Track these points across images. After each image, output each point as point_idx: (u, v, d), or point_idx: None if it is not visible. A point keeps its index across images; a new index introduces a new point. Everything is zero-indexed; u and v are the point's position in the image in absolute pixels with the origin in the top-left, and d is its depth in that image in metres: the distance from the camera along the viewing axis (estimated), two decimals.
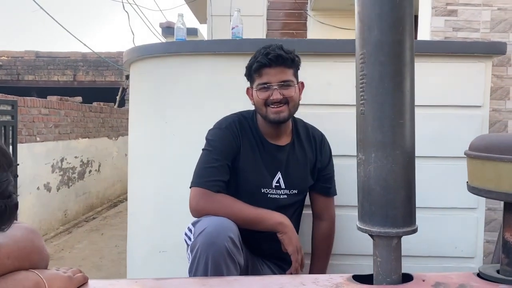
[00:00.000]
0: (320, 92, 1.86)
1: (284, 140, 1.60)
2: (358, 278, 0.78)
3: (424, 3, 2.10)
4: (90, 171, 6.89)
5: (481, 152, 0.74)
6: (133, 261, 2.18)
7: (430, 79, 1.85)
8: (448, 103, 1.84)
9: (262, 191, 1.55)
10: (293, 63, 1.50)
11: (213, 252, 1.24)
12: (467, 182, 0.78)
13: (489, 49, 1.80)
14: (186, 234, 1.43)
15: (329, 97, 1.86)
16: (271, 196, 1.56)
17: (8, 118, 4.33)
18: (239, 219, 1.40)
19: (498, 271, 0.77)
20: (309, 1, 5.23)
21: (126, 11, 4.08)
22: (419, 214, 1.92)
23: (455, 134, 1.79)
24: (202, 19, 8.05)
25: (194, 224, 1.40)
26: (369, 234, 0.77)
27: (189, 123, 1.93)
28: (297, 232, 1.69)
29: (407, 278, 0.78)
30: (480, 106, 1.81)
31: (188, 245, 1.39)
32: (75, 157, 6.37)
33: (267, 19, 5.29)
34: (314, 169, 1.62)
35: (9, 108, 4.35)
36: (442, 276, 0.78)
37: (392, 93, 0.74)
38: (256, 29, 5.05)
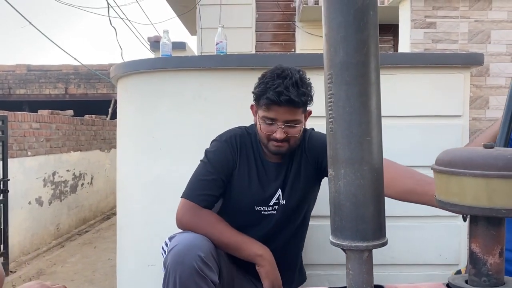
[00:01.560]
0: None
1: (283, 158, 1.56)
2: None
3: (404, 16, 2.16)
4: (82, 184, 6.88)
5: (445, 167, 0.76)
6: (122, 275, 2.19)
7: (410, 90, 1.89)
8: (428, 113, 1.88)
9: (256, 209, 1.52)
10: (304, 105, 1.44)
11: (181, 272, 1.25)
12: (435, 195, 0.81)
13: (467, 60, 1.84)
14: (162, 248, 1.44)
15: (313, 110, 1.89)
16: (265, 213, 1.53)
17: None
18: (218, 242, 1.40)
19: (466, 281, 0.80)
20: (297, 12, 5.29)
21: (113, 27, 4.11)
22: (403, 223, 1.95)
23: (435, 143, 1.82)
24: (192, 31, 8.11)
25: (170, 239, 1.41)
26: (341, 248, 0.80)
27: (176, 137, 1.95)
28: (302, 246, 1.68)
29: None
30: (460, 116, 1.85)
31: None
32: (67, 170, 6.37)
33: (256, 31, 5.35)
34: (319, 168, 1.55)
35: None
36: (413, 286, 0.80)
37: (358, 112, 0.76)
38: (245, 41, 5.11)
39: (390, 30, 4.40)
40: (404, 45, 2.21)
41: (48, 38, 4.55)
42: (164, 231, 1.96)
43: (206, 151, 1.54)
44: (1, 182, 4.34)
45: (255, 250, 1.42)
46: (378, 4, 3.50)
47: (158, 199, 1.98)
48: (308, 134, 1.59)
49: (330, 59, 0.78)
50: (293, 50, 5.41)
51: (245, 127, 1.61)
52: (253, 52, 5.19)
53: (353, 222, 0.78)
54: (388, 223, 2.05)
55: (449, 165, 0.75)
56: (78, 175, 6.74)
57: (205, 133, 1.68)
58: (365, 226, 0.77)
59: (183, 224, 1.44)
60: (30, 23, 4.12)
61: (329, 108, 0.79)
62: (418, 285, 0.81)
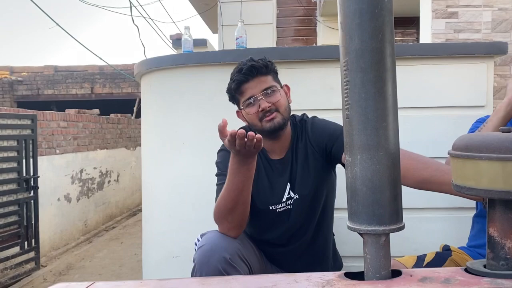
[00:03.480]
0: (323, 97, 1.90)
1: (287, 151, 1.56)
2: (349, 275, 0.82)
3: (424, 7, 2.13)
4: (109, 181, 7.03)
5: (461, 151, 0.77)
6: (148, 267, 2.25)
7: (433, 82, 1.87)
8: (451, 104, 1.86)
9: (271, 208, 1.52)
10: (268, 69, 1.47)
11: (206, 272, 1.26)
12: (452, 180, 0.81)
13: (490, 49, 1.81)
14: (195, 243, 1.46)
15: (331, 102, 1.90)
16: (280, 210, 1.52)
17: (28, 132, 4.48)
18: (230, 202, 1.34)
19: (485, 266, 0.80)
20: (318, 7, 5.27)
21: (136, 25, 4.19)
22: (425, 215, 1.94)
23: (459, 134, 1.79)
24: (214, 29, 8.17)
25: (201, 236, 1.43)
26: (358, 233, 0.81)
27: (198, 132, 1.99)
28: (330, 237, 1.64)
29: (396, 274, 0.81)
30: (483, 106, 1.82)
31: None
32: (94, 168, 6.52)
33: (276, 27, 5.36)
34: (329, 155, 1.51)
35: (29, 122, 4.50)
36: (430, 271, 0.81)
37: (374, 98, 0.77)
38: (266, 37, 5.12)
39: (414, 22, 4.33)
40: (426, 36, 2.18)
41: (76, 40, 4.67)
42: (187, 223, 2.01)
43: (216, 163, 1.54)
44: (32, 179, 4.48)
45: (232, 168, 1.32)
46: None
47: (181, 193, 2.02)
48: (310, 123, 1.57)
49: (346, 46, 0.80)
50: (314, 45, 5.40)
51: (243, 128, 1.59)
52: (281, 46, 5.20)
53: (369, 207, 0.79)
54: (410, 215, 2.06)
55: (465, 150, 0.76)
56: (105, 172, 6.89)
57: (228, 124, 1.70)
58: (382, 211, 0.78)
59: (217, 223, 1.43)
60: (58, 24, 4.25)
61: (345, 95, 0.80)
62: (436, 269, 0.81)
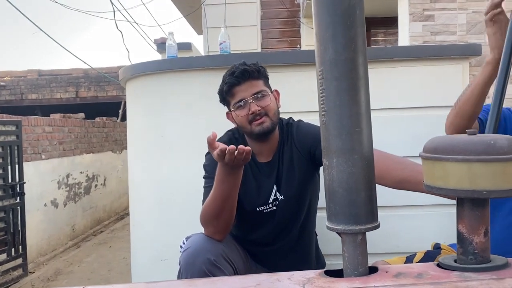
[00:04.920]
0: (304, 100, 1.95)
1: (274, 154, 1.59)
2: (329, 273, 0.86)
3: (402, 10, 2.19)
4: (96, 186, 7.00)
5: (431, 153, 0.82)
6: (136, 270, 2.27)
7: (410, 83, 1.93)
8: (429, 105, 1.92)
9: (258, 209, 1.56)
10: (259, 74, 1.52)
11: (192, 273, 1.30)
12: (423, 181, 0.86)
13: (465, 51, 1.88)
14: (181, 246, 1.49)
15: (315, 104, 1.94)
16: (267, 211, 1.56)
17: (13, 138, 4.45)
18: (216, 208, 1.37)
19: (455, 261, 0.85)
20: (301, 9, 5.33)
21: (120, 30, 4.19)
22: (408, 212, 1.99)
23: (436, 134, 1.85)
24: (199, 31, 8.17)
25: (187, 238, 1.46)
26: (336, 232, 0.85)
27: (184, 136, 2.02)
28: (313, 237, 1.68)
29: (373, 270, 0.86)
30: None
31: None
32: (81, 172, 6.49)
33: (261, 29, 5.40)
34: (313, 157, 1.55)
35: (13, 128, 4.47)
36: (405, 267, 0.85)
37: (348, 105, 0.82)
38: (250, 39, 5.16)
39: (395, 23, 4.41)
40: (404, 38, 2.25)
41: (58, 43, 4.65)
42: (174, 226, 2.04)
43: (204, 165, 1.57)
44: (17, 185, 4.46)
45: (219, 177, 1.35)
46: None
47: (167, 196, 2.05)
48: (296, 127, 1.61)
49: (321, 56, 0.84)
50: (298, 46, 5.46)
51: (232, 132, 1.65)
52: (259, 49, 5.24)
53: (346, 208, 0.83)
54: (393, 213, 2.11)
55: (434, 152, 0.81)
56: (91, 176, 6.87)
57: (211, 131, 1.74)
58: (358, 211, 0.83)
59: (202, 226, 1.46)
60: (41, 29, 4.23)
61: (322, 102, 0.85)
62: (410, 265, 0.86)
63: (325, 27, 0.83)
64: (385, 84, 1.93)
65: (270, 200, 1.56)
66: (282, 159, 1.57)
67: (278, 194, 1.56)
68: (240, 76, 1.48)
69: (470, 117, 1.38)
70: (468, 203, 0.81)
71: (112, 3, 4.20)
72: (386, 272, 0.84)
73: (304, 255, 1.64)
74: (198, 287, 0.87)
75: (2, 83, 10.05)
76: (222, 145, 1.23)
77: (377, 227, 0.86)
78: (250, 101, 1.49)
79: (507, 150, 0.75)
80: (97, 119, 7.71)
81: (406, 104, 1.93)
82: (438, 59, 1.89)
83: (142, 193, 2.19)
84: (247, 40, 5.12)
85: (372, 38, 5.26)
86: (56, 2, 3.98)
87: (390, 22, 4.48)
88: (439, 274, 0.80)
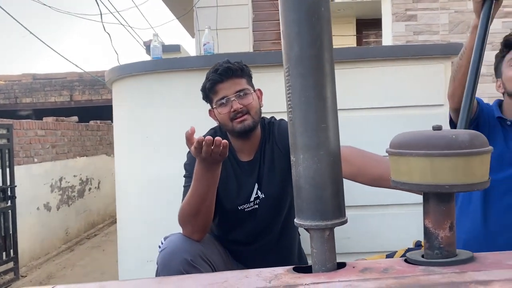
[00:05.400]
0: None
1: (256, 153, 1.60)
2: (298, 269, 0.86)
3: (385, 10, 2.21)
4: (90, 189, 6.99)
5: (395, 149, 0.82)
6: (124, 272, 2.27)
7: (393, 82, 1.94)
8: (411, 104, 1.93)
9: (239, 208, 1.57)
10: (243, 72, 1.53)
11: (168, 273, 1.30)
12: (391, 176, 0.87)
13: (447, 50, 1.89)
14: (159, 246, 1.50)
15: None
16: (248, 210, 1.57)
17: (4, 141, 4.44)
18: (193, 206, 1.37)
19: (423, 255, 0.86)
20: None
21: (108, 33, 4.20)
22: (391, 211, 2.00)
23: None
24: (192, 33, 8.19)
25: (165, 238, 1.47)
26: (304, 228, 0.86)
27: (168, 136, 2.02)
28: (295, 236, 1.69)
29: (341, 266, 0.86)
30: (442, 105, 1.90)
31: None
32: (74, 175, 6.48)
33: (253, 31, 5.41)
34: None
35: (4, 131, 4.46)
36: (373, 262, 0.86)
37: (313, 101, 0.82)
38: (242, 41, 5.17)
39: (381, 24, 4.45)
40: (387, 38, 2.26)
41: (49, 47, 4.65)
42: (160, 228, 2.04)
43: (184, 165, 1.58)
44: (8, 188, 4.45)
45: (197, 174, 1.36)
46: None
47: (153, 197, 2.05)
48: (277, 125, 1.62)
49: (287, 53, 0.85)
50: None
51: (214, 130, 1.66)
52: (251, 51, 5.25)
53: (313, 203, 0.84)
54: (377, 212, 2.11)
55: (399, 147, 0.81)
56: (85, 180, 6.85)
57: (196, 131, 1.74)
58: (324, 207, 0.83)
59: (180, 226, 1.47)
60: (31, 32, 4.23)
61: (288, 99, 0.85)
62: (378, 261, 0.86)
63: (290, 25, 0.84)
64: (367, 83, 1.94)
65: (252, 199, 1.56)
66: (264, 158, 1.58)
67: (259, 193, 1.57)
68: (223, 74, 1.49)
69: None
70: (433, 198, 0.81)
71: (98, 5, 4.21)
72: (353, 267, 0.84)
73: (286, 254, 1.64)
74: (167, 284, 0.87)
75: None
76: (199, 137, 1.24)
77: (344, 222, 0.86)
78: (233, 98, 1.50)
79: (469, 145, 0.76)
80: (91, 122, 7.71)
81: (388, 104, 1.94)
82: (420, 59, 1.90)
83: (128, 194, 2.19)
84: (239, 42, 5.13)
85: (364, 40, 5.29)
86: (45, 5, 3.99)
87: (375, 24, 4.51)
88: (404, 269, 0.81)
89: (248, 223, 1.57)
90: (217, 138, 1.24)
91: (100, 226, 7.18)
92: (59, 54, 4.83)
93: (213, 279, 0.86)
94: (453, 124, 1.57)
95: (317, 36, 0.82)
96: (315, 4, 0.83)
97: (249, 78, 1.57)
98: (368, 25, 4.94)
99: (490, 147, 0.80)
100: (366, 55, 1.92)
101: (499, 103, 1.61)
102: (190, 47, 6.59)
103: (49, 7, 4.12)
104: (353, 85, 1.96)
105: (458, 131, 0.79)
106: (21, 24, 4.04)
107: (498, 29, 2.15)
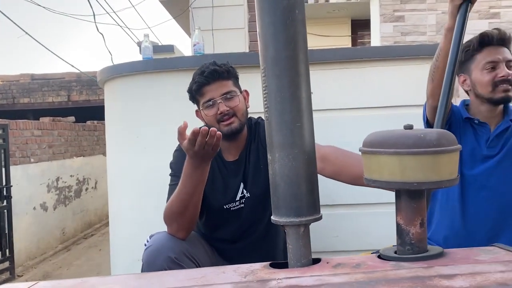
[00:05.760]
0: None
1: (241, 153, 1.62)
2: (274, 265, 0.89)
3: (373, 11, 2.23)
4: (86, 189, 7.00)
5: (367, 148, 0.85)
6: (116, 271, 2.29)
7: (381, 82, 1.97)
8: (399, 104, 1.96)
9: (225, 207, 1.59)
10: (229, 74, 1.55)
11: (152, 271, 1.29)
12: (363, 174, 0.89)
13: (433, 51, 1.90)
14: (145, 244, 1.52)
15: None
16: (234, 209, 1.59)
17: (0, 141, 4.46)
18: (180, 204, 1.39)
19: (396, 252, 0.88)
20: None
21: (101, 33, 4.22)
22: (380, 210, 2.02)
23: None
24: (189, 33, 8.20)
25: (150, 236, 1.49)
26: (280, 225, 0.88)
27: (159, 136, 2.04)
28: (281, 234, 1.68)
29: (316, 261, 0.88)
30: None
31: None
32: (71, 175, 6.49)
33: (249, 31, 5.43)
34: None
35: (0, 131, 4.48)
36: (346, 258, 0.88)
37: (288, 101, 0.85)
38: (238, 41, 5.19)
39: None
40: (375, 39, 2.28)
41: (46, 47, 4.67)
42: (151, 227, 2.06)
43: (170, 164, 1.60)
44: (4, 188, 4.46)
45: (186, 172, 1.37)
46: (352, 0, 3.56)
47: (144, 196, 2.07)
48: (262, 125, 1.63)
49: (263, 54, 0.87)
50: None
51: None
52: (247, 51, 5.27)
53: (288, 201, 0.86)
54: (365, 210, 2.13)
55: (370, 146, 0.84)
56: (82, 180, 6.87)
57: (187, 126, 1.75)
58: (299, 204, 0.86)
59: (166, 224, 1.49)
60: (26, 33, 4.25)
61: (265, 99, 0.88)
62: (351, 257, 0.89)
63: (266, 27, 0.86)
64: (356, 84, 1.96)
65: (237, 198, 1.59)
66: (249, 158, 1.60)
67: (245, 192, 1.59)
68: (210, 76, 1.51)
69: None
70: (404, 195, 0.84)
71: (91, 6, 4.23)
72: (327, 263, 0.86)
73: (272, 252, 1.66)
74: (146, 279, 0.89)
75: None
76: (194, 128, 1.25)
77: (319, 219, 0.88)
78: (219, 101, 1.52)
79: (437, 143, 0.78)
80: (88, 122, 7.72)
81: (376, 104, 1.97)
82: (407, 59, 1.93)
83: (119, 193, 2.21)
84: (235, 43, 5.15)
85: (359, 40, 5.31)
86: (39, 5, 4.01)
87: (367, 25, 4.54)
88: (376, 264, 0.83)
89: (234, 222, 1.59)
90: (212, 128, 1.26)
91: (97, 226, 7.20)
92: (55, 54, 4.85)
93: (192, 274, 0.88)
94: (428, 125, 1.59)
95: (291, 38, 0.84)
96: (290, 6, 0.85)
97: (235, 79, 1.59)
98: (363, 25, 4.96)
99: (458, 146, 0.82)
100: (354, 56, 1.94)
101: (465, 103, 1.63)
102: (188, 47, 6.61)
103: (44, 7, 4.14)
104: (341, 86, 1.98)
105: (426, 130, 0.81)
106: (16, 25, 4.06)
107: (484, 29, 2.16)
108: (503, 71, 1.47)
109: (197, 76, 1.54)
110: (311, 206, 0.87)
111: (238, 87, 1.60)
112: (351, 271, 0.80)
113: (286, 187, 0.86)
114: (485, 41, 1.49)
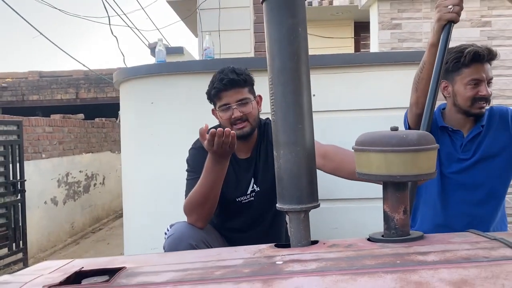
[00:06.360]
0: None
1: (252, 151, 1.77)
2: (279, 246, 1.04)
3: (373, 19, 2.36)
4: (95, 185, 7.18)
5: (359, 146, 0.99)
6: None
7: (381, 86, 2.11)
8: (397, 106, 2.09)
9: (237, 200, 1.73)
10: (246, 83, 1.68)
11: None
12: (356, 169, 1.04)
13: None
14: (165, 233, 1.67)
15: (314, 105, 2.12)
16: (245, 201, 1.75)
17: (14, 137, 4.63)
18: (202, 196, 1.53)
19: (383, 235, 1.03)
20: None
21: (115, 36, 4.37)
22: (372, 204, 2.16)
23: None
24: (196, 33, 8.35)
25: (171, 226, 1.64)
26: (284, 211, 1.03)
27: (171, 134, 2.20)
28: (284, 224, 1.85)
29: (314, 243, 1.03)
30: None
31: None
32: (80, 171, 6.67)
33: (254, 32, 5.57)
34: None
35: (14, 128, 4.65)
36: (341, 240, 1.02)
37: (292, 106, 0.99)
38: (244, 42, 5.34)
39: None
40: (374, 45, 2.42)
41: (57, 46, 4.83)
42: (163, 218, 2.21)
43: (186, 160, 1.75)
44: (18, 182, 4.64)
45: (207, 167, 1.51)
46: (355, 3, 3.69)
47: (157, 190, 2.22)
48: (271, 125, 1.78)
49: (271, 65, 1.02)
50: None
51: (215, 128, 1.81)
52: (252, 52, 5.41)
53: (291, 190, 1.01)
54: (363, 204, 2.27)
55: (361, 144, 0.98)
56: (91, 175, 7.04)
57: (196, 130, 1.89)
58: (300, 193, 1.01)
59: (186, 215, 1.64)
60: (41, 33, 4.41)
61: (272, 103, 1.03)
62: (345, 239, 1.03)
63: (273, 42, 1.01)
64: (356, 87, 2.11)
65: (248, 192, 1.74)
66: (259, 156, 1.76)
67: (255, 186, 1.75)
68: (228, 84, 1.65)
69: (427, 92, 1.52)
70: (390, 187, 0.98)
71: (106, 10, 4.38)
72: (324, 244, 1.01)
73: (276, 240, 1.81)
74: (168, 257, 1.05)
75: (4, 84, 10.24)
76: (211, 130, 1.40)
77: (317, 206, 1.03)
78: (234, 106, 1.66)
79: (416, 143, 0.93)
80: (96, 119, 7.89)
81: (375, 106, 2.11)
82: (403, 64, 2.06)
83: (134, 188, 2.37)
84: (241, 44, 5.30)
85: (361, 42, 5.43)
86: (55, 8, 4.17)
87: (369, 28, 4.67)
88: (365, 245, 0.98)
89: (245, 213, 1.75)
90: (227, 129, 1.40)
91: (105, 220, 7.37)
92: (67, 53, 5.01)
93: (209, 253, 1.03)
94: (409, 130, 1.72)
95: (295, 52, 1.00)
96: (294, 25, 1.00)
97: (251, 86, 1.73)
98: (366, 28, 5.10)
99: (436, 145, 0.97)
100: (354, 61, 2.09)
101: (442, 110, 1.75)
102: (194, 47, 6.75)
103: (59, 10, 4.29)
104: (342, 89, 2.13)
105: (409, 132, 0.96)
106: (30, 25, 4.22)
107: (476, 37, 2.31)
108: (484, 90, 1.58)
109: (217, 82, 1.68)
110: (310, 195, 1.02)
111: (253, 93, 1.74)
112: (344, 249, 0.94)
113: (289, 179, 1.01)
114: (476, 58, 1.58)
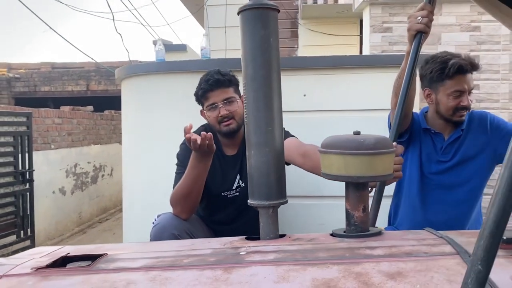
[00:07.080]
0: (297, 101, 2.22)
1: (239, 148, 1.87)
2: (250, 238, 1.13)
3: (365, 22, 2.42)
4: (103, 176, 7.34)
5: (323, 148, 1.08)
6: None
7: (369, 87, 2.18)
8: (386, 107, 2.16)
9: (223, 194, 1.83)
10: (230, 83, 1.78)
11: None
12: (321, 169, 1.12)
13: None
14: (153, 223, 1.77)
15: (304, 105, 2.20)
16: (230, 196, 1.85)
17: (24, 128, 4.78)
18: (185, 190, 1.63)
19: (344, 231, 1.11)
20: (299, 10, 5.56)
21: (119, 33, 4.47)
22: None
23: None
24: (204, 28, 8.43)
25: (158, 216, 1.75)
26: (254, 207, 1.12)
27: (169, 130, 2.29)
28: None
29: (282, 236, 1.12)
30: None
31: None
32: (88, 162, 6.83)
33: None
34: None
35: (24, 119, 4.80)
36: (304, 235, 1.11)
37: (263, 110, 1.08)
38: None
39: None
40: (366, 48, 2.49)
41: (67, 41, 4.95)
42: (159, 209, 2.32)
43: (176, 155, 1.85)
44: (27, 172, 4.79)
45: (191, 163, 1.61)
46: (360, 1, 3.75)
47: (154, 183, 2.33)
48: None
49: (244, 72, 1.11)
50: (296, 46, 5.69)
51: (204, 126, 1.91)
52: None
53: (261, 188, 1.10)
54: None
55: (325, 147, 1.07)
56: (99, 167, 7.20)
57: (192, 127, 2.00)
58: (269, 190, 1.10)
59: (171, 206, 1.75)
60: (50, 27, 4.54)
61: (245, 107, 1.11)
62: (310, 234, 1.12)
63: (247, 51, 1.10)
64: (345, 88, 2.18)
65: (234, 187, 1.84)
66: (245, 153, 1.84)
67: (240, 182, 1.84)
68: (214, 84, 1.76)
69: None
70: (351, 186, 1.07)
71: (109, 7, 4.49)
72: (289, 237, 1.10)
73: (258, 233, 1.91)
74: (147, 246, 1.15)
75: (17, 75, 10.44)
76: (187, 136, 1.50)
77: (285, 203, 1.12)
78: (220, 105, 1.76)
79: (373, 147, 1.01)
80: (106, 111, 8.04)
81: (363, 106, 2.18)
82: (391, 67, 2.13)
83: (133, 180, 2.47)
84: None
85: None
86: (62, 3, 4.29)
87: None
88: (325, 239, 1.07)
89: (230, 207, 1.84)
90: (202, 133, 1.51)
91: (112, 211, 7.54)
92: (77, 48, 5.13)
93: (184, 243, 1.13)
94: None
95: (266, 60, 1.08)
96: (266, 36, 1.08)
97: (236, 86, 1.83)
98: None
99: (392, 149, 1.05)
100: (345, 63, 2.16)
101: (424, 113, 1.83)
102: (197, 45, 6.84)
103: (66, 5, 4.41)
104: (332, 90, 2.20)
105: (367, 136, 1.04)
106: (41, 19, 4.35)
107: (465, 41, 2.36)
108: (465, 100, 1.67)
109: (203, 83, 1.79)
110: (278, 192, 1.11)
111: (238, 93, 1.84)
112: (305, 243, 1.03)
113: (259, 178, 1.10)
114: (459, 71, 1.65)
